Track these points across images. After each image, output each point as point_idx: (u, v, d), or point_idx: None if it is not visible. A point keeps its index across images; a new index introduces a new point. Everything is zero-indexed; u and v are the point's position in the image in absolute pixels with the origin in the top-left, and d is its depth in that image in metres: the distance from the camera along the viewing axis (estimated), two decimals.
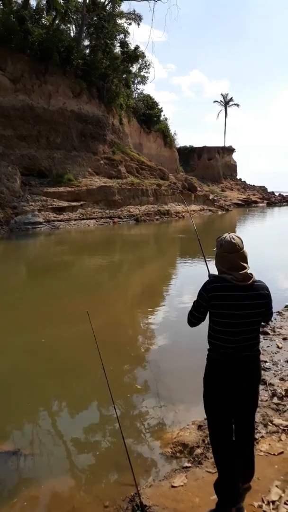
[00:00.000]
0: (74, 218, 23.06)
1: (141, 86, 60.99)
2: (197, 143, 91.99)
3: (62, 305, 8.23)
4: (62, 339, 6.35)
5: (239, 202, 50.41)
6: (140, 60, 37.21)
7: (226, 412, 2.38)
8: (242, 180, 66.17)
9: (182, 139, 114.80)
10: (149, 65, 42.03)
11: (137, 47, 34.23)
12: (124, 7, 41.91)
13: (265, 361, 5.03)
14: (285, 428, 3.49)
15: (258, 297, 2.29)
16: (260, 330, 2.47)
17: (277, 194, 67.83)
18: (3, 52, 23.72)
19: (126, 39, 34.08)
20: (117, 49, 32.99)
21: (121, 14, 34.24)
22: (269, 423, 3.60)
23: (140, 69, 41.24)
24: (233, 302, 2.26)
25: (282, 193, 70.64)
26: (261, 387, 4.12)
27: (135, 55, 33.87)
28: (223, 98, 66.63)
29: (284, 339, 5.91)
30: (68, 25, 31.73)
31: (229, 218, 34.90)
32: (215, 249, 2.37)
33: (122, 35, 33.97)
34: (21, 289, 9.90)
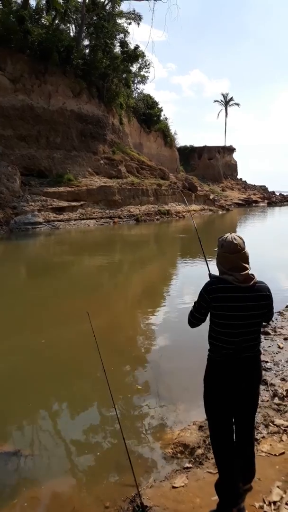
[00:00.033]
0: (74, 218, 23.03)
1: (141, 86, 60.78)
2: (198, 143, 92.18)
3: (62, 306, 8.24)
4: (63, 339, 6.34)
5: (240, 201, 50.37)
6: (140, 60, 37.21)
7: (226, 412, 2.37)
8: (243, 179, 66.19)
9: (183, 139, 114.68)
10: (149, 64, 42.13)
11: (137, 47, 34.31)
12: (124, 6, 42.11)
13: (266, 361, 5.03)
14: (286, 429, 3.49)
15: (260, 299, 2.28)
16: (261, 330, 2.46)
17: (277, 193, 67.89)
18: (3, 52, 23.70)
19: (126, 39, 34.17)
20: (117, 49, 33.04)
21: (121, 14, 34.28)
22: (270, 423, 3.59)
23: (140, 68, 41.30)
24: (234, 304, 2.25)
25: (282, 193, 70.69)
26: (262, 387, 4.13)
27: (135, 55, 33.86)
28: (224, 98, 66.77)
29: (285, 339, 5.90)
30: (68, 25, 31.72)
31: (229, 217, 34.87)
32: (216, 249, 2.36)
33: (122, 35, 34.04)
34: (21, 289, 9.90)
